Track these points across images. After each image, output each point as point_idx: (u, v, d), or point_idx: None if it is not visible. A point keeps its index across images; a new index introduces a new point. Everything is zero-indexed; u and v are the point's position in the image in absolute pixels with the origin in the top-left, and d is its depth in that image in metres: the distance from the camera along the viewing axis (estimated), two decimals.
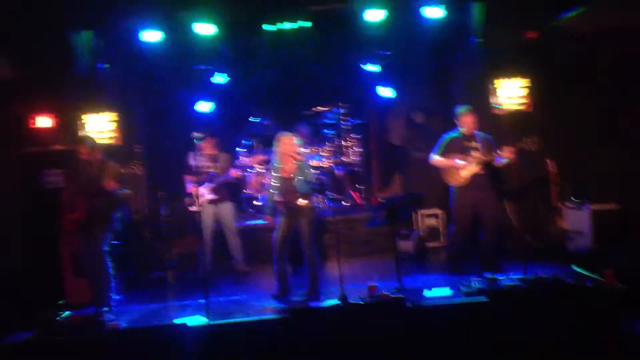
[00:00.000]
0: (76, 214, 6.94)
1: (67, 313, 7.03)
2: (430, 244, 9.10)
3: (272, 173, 7.26)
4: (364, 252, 9.21)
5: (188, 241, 9.38)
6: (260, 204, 10.14)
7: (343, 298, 6.13)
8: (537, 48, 8.94)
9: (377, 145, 11.15)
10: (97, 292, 6.93)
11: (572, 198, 8.23)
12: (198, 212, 8.22)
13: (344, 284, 6.33)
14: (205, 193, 8.34)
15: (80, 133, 8.93)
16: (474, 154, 7.33)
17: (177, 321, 5.94)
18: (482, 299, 5.87)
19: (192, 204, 8.36)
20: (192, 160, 8.42)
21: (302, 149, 7.25)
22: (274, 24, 9.09)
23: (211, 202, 8.35)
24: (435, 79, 9.90)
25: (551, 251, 8.13)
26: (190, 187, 8.37)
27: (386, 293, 6.32)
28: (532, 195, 9.02)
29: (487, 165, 7.35)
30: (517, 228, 8.93)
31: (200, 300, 6.73)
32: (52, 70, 6.87)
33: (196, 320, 6.10)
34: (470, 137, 7.43)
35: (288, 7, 8.90)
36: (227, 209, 8.58)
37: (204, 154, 8.43)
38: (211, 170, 8.40)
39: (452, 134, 7.61)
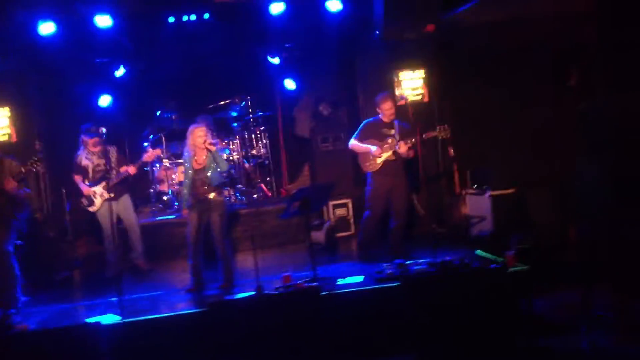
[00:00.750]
0: None
1: None
2: (341, 234, 9.25)
3: (185, 165, 7.20)
4: (275, 244, 9.22)
5: (94, 239, 9.13)
6: (167, 198, 10.00)
7: (259, 289, 6.16)
8: (434, 40, 9.30)
9: (285, 138, 11.22)
10: (3, 294, 6.62)
11: (472, 185, 8.58)
12: (96, 212, 8.05)
13: (259, 276, 6.36)
14: (102, 192, 7.97)
15: None
16: (389, 140, 7.51)
17: (90, 320, 5.79)
18: (395, 284, 6.05)
19: (90, 204, 8.06)
20: (84, 160, 8.04)
21: (213, 140, 7.20)
22: (176, 15, 8.99)
23: (108, 200, 7.77)
24: (340, 71, 10.07)
25: (456, 237, 8.50)
26: (85, 188, 8.02)
27: (300, 283, 6.42)
28: (436, 182, 9.40)
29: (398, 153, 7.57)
30: (424, 215, 9.29)
31: (112, 299, 6.63)
32: None
33: (110, 318, 5.98)
34: (388, 125, 7.58)
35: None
36: (125, 204, 8.21)
37: (94, 152, 8.03)
38: (103, 167, 8.03)
39: (371, 120, 7.76)
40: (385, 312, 5.94)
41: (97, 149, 8.04)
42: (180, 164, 9.60)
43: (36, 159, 6.71)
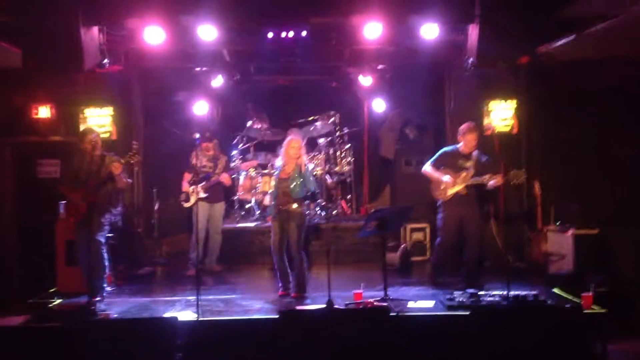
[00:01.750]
0: (79, 204, 7.00)
1: (59, 301, 7.17)
2: (416, 258, 9.26)
3: (274, 174, 7.43)
4: (350, 261, 9.37)
5: (178, 239, 9.54)
6: (249, 206, 10.30)
7: (330, 303, 6.30)
8: (527, 72, 9.23)
9: (369, 157, 11.35)
10: (91, 282, 7.04)
11: (556, 221, 8.43)
12: (191, 209, 8.53)
13: (331, 290, 6.49)
14: (200, 191, 8.53)
15: (82, 125, 9.04)
16: (463, 174, 7.49)
17: (167, 315, 6.08)
18: (464, 313, 6.04)
19: (186, 200, 8.60)
20: (194, 159, 8.72)
21: (305, 155, 7.41)
22: (275, 31, 9.29)
23: (205, 200, 8.55)
24: (429, 96, 10.11)
25: (533, 273, 8.38)
26: (186, 185, 8.61)
27: (371, 301, 6.51)
28: (518, 217, 9.28)
29: (475, 187, 7.53)
30: (501, 248, 9.18)
31: (189, 297, 6.92)
32: (58, 62, 6.95)
33: (186, 315, 6.25)
34: (467, 156, 7.55)
35: (289, 16, 9.08)
36: (218, 210, 8.90)
37: (205, 155, 8.70)
38: (209, 170, 8.66)
39: (449, 150, 7.76)
40: (452, 341, 5.94)
41: (210, 153, 8.76)
42: (265, 174, 9.96)
43: (134, 152, 7.12)
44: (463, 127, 7.69)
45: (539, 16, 7.40)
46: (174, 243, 9.70)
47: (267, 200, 10.40)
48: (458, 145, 7.69)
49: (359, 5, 7.85)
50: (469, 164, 7.50)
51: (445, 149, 7.87)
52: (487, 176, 7.31)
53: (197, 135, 8.67)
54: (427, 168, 7.75)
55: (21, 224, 9.36)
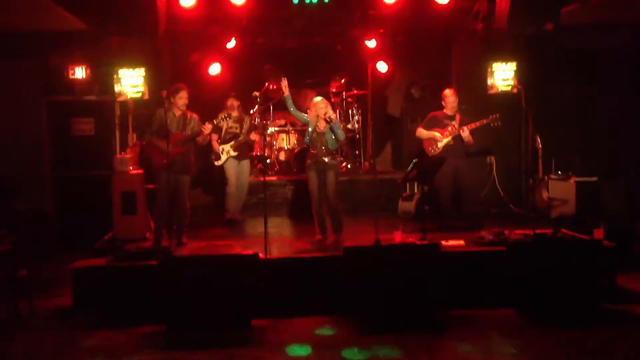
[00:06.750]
0: (165, 152, 7.45)
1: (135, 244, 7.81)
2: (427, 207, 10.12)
3: (308, 130, 8.09)
4: (365, 211, 10.12)
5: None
6: (269, 161, 10.98)
7: (378, 242, 7.07)
8: (526, 36, 10.09)
9: (373, 116, 12.09)
10: (172, 231, 7.73)
11: (557, 170, 9.42)
12: (222, 166, 9.27)
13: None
14: (228, 150, 9.26)
15: (116, 85, 9.54)
16: (449, 128, 8.58)
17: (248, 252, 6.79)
18: (500, 248, 6.96)
19: (217, 159, 9.30)
20: (221, 120, 9.21)
21: (332, 111, 8.09)
22: None
23: (234, 158, 9.28)
24: (436, 58, 10.89)
25: (534, 218, 9.33)
26: (215, 145, 9.27)
27: (414, 240, 7.36)
28: (519, 167, 10.28)
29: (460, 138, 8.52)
30: (502, 196, 10.21)
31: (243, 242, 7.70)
32: (136, 26, 7.45)
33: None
34: (451, 116, 8.68)
35: None
36: (245, 167, 9.58)
37: (232, 115, 9.22)
38: (236, 131, 9.31)
39: (436, 113, 8.83)
40: (486, 272, 6.88)
41: (235, 113, 9.27)
42: (283, 131, 10.67)
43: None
44: (445, 92, 8.78)
45: None
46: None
47: (282, 156, 11.19)
48: (443, 109, 8.72)
49: None
50: (453, 122, 8.63)
51: (432, 113, 8.88)
52: (465, 127, 8.45)
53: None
54: (420, 130, 8.81)
55: (56, 179, 9.83)
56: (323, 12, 9.99)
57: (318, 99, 8.14)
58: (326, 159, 7.95)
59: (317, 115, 7.97)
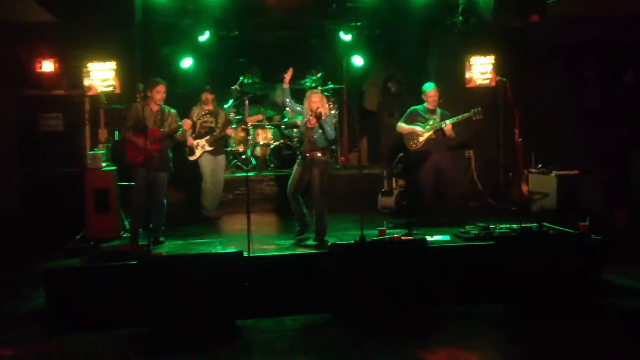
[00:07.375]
0: (142, 148, 7.24)
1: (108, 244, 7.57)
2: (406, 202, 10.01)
3: (300, 124, 7.89)
4: (345, 206, 9.97)
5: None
6: (244, 157, 10.75)
7: (362, 239, 6.91)
8: (502, 30, 10.05)
9: (348, 110, 11.93)
10: (152, 231, 7.46)
11: (537, 165, 9.39)
12: (197, 161, 9.03)
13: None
14: (203, 145, 9.00)
15: (85, 79, 9.20)
16: (430, 122, 8.44)
17: (231, 250, 6.58)
18: (487, 243, 6.88)
19: (190, 154, 9.03)
20: (195, 115, 8.91)
21: (325, 106, 7.89)
22: None
23: (209, 153, 9.03)
24: (413, 52, 10.79)
25: (513, 212, 9.31)
26: (190, 139, 8.94)
27: (398, 236, 7.22)
28: (498, 161, 10.25)
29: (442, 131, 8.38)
30: (481, 190, 10.16)
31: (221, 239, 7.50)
32: (111, 17, 7.17)
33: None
34: (432, 111, 8.54)
35: None
36: (220, 162, 9.30)
37: (205, 109, 9.01)
38: (211, 125, 9.06)
39: (417, 107, 8.66)
40: (474, 267, 6.78)
41: (209, 107, 9.02)
42: (259, 126, 10.45)
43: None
44: (424, 87, 8.62)
45: None
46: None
47: (258, 152, 10.99)
48: (424, 104, 8.60)
49: None
50: (434, 116, 8.48)
51: (413, 107, 8.72)
52: (447, 121, 8.32)
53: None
54: (400, 124, 8.63)
55: (25, 177, 9.47)
56: (299, 4, 9.79)
57: (314, 92, 7.93)
58: (312, 155, 7.70)
59: (310, 109, 7.76)
